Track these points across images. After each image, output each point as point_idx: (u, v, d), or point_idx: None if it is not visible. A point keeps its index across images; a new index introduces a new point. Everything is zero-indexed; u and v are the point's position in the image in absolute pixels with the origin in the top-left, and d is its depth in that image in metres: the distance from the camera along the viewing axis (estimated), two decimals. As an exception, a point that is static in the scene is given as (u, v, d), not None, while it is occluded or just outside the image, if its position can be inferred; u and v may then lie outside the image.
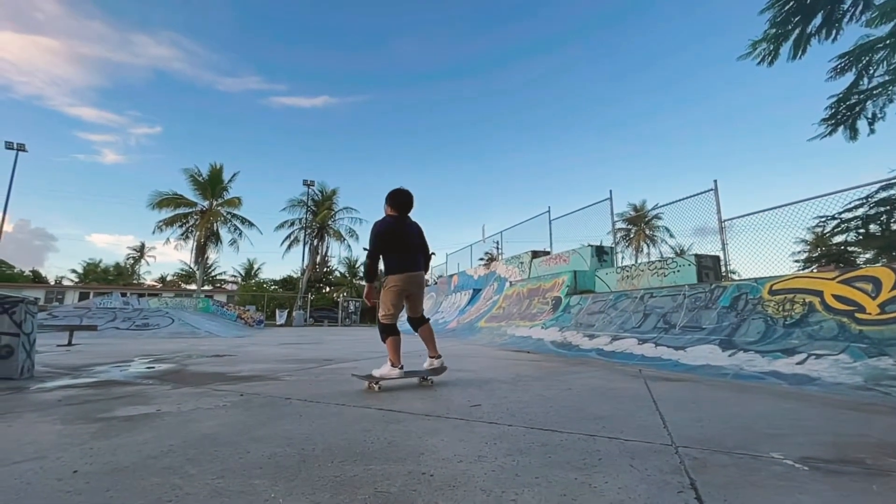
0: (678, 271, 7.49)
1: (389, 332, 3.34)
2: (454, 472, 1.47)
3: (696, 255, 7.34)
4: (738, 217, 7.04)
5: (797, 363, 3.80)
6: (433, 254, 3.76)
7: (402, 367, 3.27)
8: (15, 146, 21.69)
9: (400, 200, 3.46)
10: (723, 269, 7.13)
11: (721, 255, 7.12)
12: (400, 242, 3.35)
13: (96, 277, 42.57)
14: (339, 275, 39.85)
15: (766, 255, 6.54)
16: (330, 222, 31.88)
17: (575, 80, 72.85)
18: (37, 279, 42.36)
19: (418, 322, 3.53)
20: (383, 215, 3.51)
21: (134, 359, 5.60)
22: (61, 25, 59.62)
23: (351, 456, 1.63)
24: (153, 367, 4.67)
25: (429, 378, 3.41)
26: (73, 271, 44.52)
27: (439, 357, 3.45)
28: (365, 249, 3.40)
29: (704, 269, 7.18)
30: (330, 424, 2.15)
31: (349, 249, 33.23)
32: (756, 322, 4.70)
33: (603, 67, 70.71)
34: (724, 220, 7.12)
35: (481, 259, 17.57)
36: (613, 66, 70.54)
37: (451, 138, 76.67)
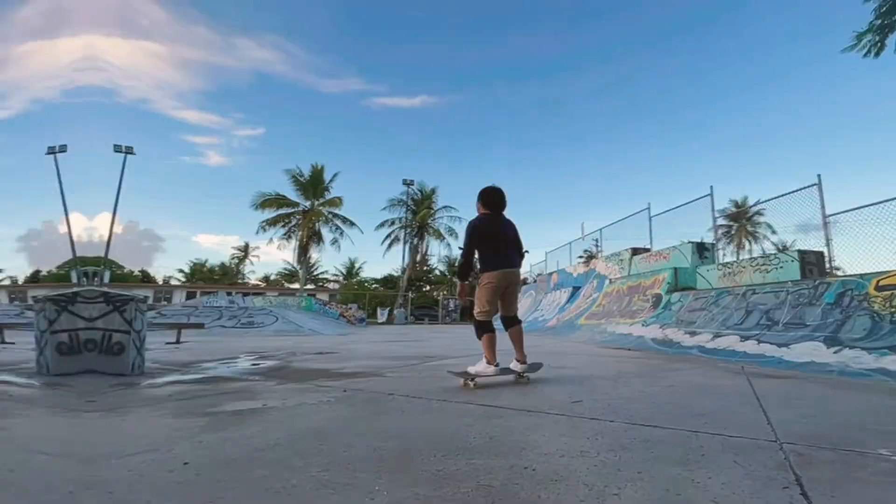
0: (781, 268, 7.23)
1: (485, 329, 3.34)
2: (556, 466, 1.46)
3: (799, 251, 7.12)
4: (843, 212, 6.79)
5: (906, 359, 3.58)
6: (527, 251, 3.72)
7: (497, 365, 3.26)
8: (123, 149, 22.50)
9: (492, 199, 3.49)
10: (827, 265, 6.82)
11: (825, 251, 6.85)
12: (494, 240, 3.36)
13: (202, 277, 44.30)
14: (438, 273, 39.70)
15: (872, 250, 6.21)
16: (429, 221, 32.03)
17: (672, 77, 68.13)
18: (146, 279, 44.32)
19: (510, 322, 3.49)
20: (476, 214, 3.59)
21: (240, 356, 5.88)
22: (166, 31, 61.79)
23: (453, 450, 1.63)
24: (258, 364, 4.81)
25: (525, 375, 3.38)
26: (181, 271, 46.44)
27: (525, 362, 3.37)
28: (459, 249, 3.54)
29: (808, 266, 6.89)
30: (432, 419, 2.18)
31: (448, 248, 33.27)
32: (862, 318, 4.53)
33: (700, 63, 65.48)
34: (829, 216, 6.82)
35: (580, 257, 17.49)
36: (711, 62, 65.08)
37: (546, 135, 73.69)
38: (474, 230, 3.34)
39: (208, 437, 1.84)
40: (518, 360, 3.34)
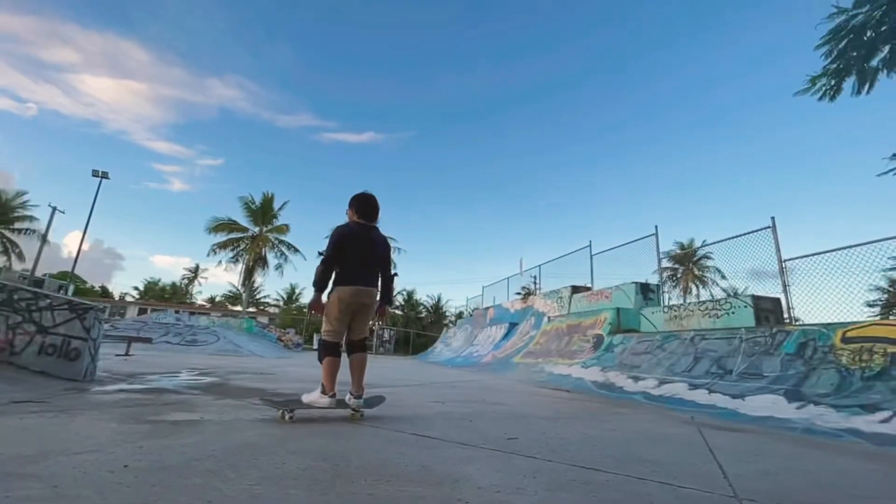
0: (733, 313, 7.00)
1: (329, 351, 2.90)
2: (491, 500, 1.42)
3: (753, 297, 6.85)
4: (802, 257, 6.46)
5: (881, 421, 3.38)
6: (396, 274, 3.37)
7: (334, 396, 2.85)
8: (100, 174, 23.82)
9: (366, 206, 3.11)
10: (785, 313, 6.55)
11: (782, 297, 6.58)
12: (359, 252, 2.96)
13: (154, 295, 45.87)
14: (375, 303, 39.97)
15: (833, 300, 5.89)
16: None
17: (617, 113, 72.82)
18: (104, 294, 46.38)
19: (355, 347, 3.06)
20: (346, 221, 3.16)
21: (182, 371, 5.93)
22: (148, 71, 68.81)
23: (384, 476, 1.61)
24: (199, 380, 4.92)
25: (360, 410, 2.92)
26: (136, 288, 48.29)
27: (361, 397, 2.89)
28: (320, 254, 3.00)
29: (763, 312, 6.66)
30: (364, 443, 2.16)
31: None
32: (828, 372, 4.25)
33: (645, 99, 70.34)
34: (786, 261, 6.58)
35: (518, 293, 17.20)
36: (656, 99, 69.94)
37: (490, 171, 78.38)
38: (341, 237, 2.91)
39: (148, 444, 1.87)
40: (353, 395, 2.87)
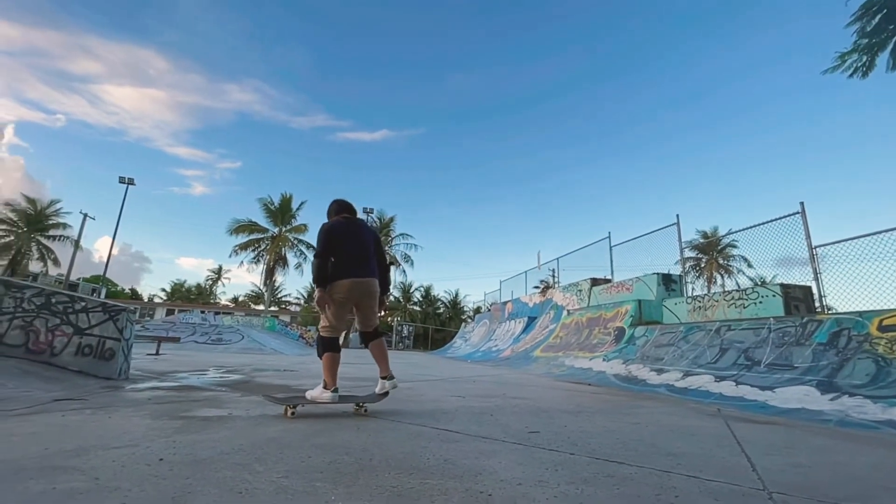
0: (760, 303, 6.75)
1: (328, 347, 2.91)
2: (514, 494, 1.41)
3: (782, 286, 6.60)
4: (834, 243, 6.11)
5: (920, 412, 3.25)
6: (392, 264, 3.32)
7: (336, 391, 2.87)
8: (126, 180, 24.83)
9: (345, 205, 3.19)
10: (816, 302, 6.26)
11: (813, 285, 6.28)
12: (349, 244, 2.98)
13: (181, 296, 47.56)
14: (393, 299, 40.73)
15: (868, 287, 5.52)
16: (386, 248, 32.96)
17: (638, 105, 71.28)
18: (134, 296, 48.39)
19: (370, 336, 3.10)
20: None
21: (209, 369, 6.15)
22: (168, 79, 71.11)
23: (407, 469, 1.64)
24: (226, 377, 5.09)
25: (363, 405, 2.97)
26: (163, 290, 50.37)
27: (392, 378, 2.99)
28: (311, 248, 3.10)
29: (793, 301, 6.41)
30: (386, 438, 2.18)
31: (404, 274, 34.06)
32: (864, 362, 4.08)
33: (668, 92, 68.60)
34: (816, 247, 6.27)
35: (536, 287, 17.03)
36: (679, 91, 68.13)
37: (505, 167, 78.03)
38: (329, 231, 2.96)
39: (181, 438, 1.95)
40: (383, 378, 2.95)
